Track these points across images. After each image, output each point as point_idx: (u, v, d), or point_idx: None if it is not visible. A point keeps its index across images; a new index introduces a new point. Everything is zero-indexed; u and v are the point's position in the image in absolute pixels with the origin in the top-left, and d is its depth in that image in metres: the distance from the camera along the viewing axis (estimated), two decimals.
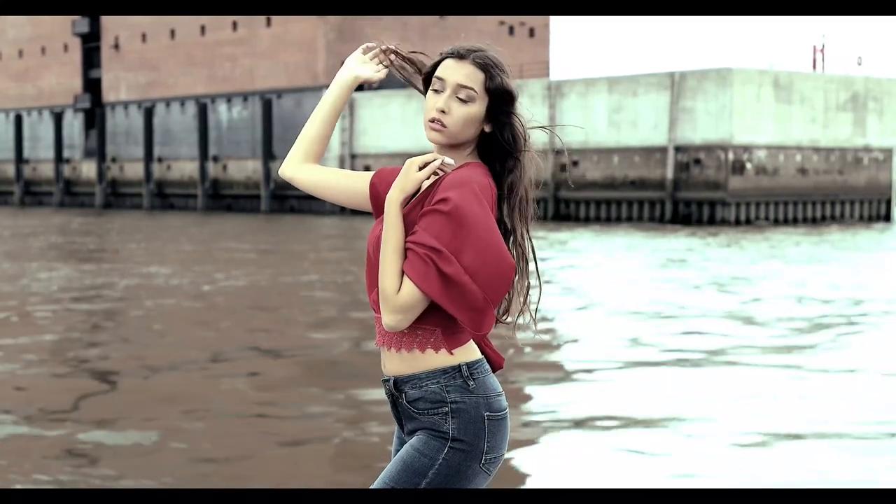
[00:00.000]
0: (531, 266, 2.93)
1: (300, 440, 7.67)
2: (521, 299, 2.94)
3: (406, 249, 2.76)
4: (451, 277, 2.70)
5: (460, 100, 2.83)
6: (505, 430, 2.86)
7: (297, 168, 3.07)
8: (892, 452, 7.38)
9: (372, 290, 2.91)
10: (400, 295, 2.74)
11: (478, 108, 2.83)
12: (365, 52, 3.06)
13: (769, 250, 27.71)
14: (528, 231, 2.93)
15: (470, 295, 2.72)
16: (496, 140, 2.87)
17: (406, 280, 2.74)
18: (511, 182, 2.87)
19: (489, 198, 2.80)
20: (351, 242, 31.75)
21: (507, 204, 2.88)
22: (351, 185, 3.07)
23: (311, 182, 3.07)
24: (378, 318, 2.88)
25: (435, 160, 2.81)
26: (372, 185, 3.04)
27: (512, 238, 2.90)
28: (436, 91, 2.86)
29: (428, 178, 2.82)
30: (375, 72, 3.02)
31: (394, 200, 2.80)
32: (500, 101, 2.84)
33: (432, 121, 2.84)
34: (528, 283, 2.94)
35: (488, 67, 2.83)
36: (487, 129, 2.87)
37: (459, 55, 2.84)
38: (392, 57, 3.05)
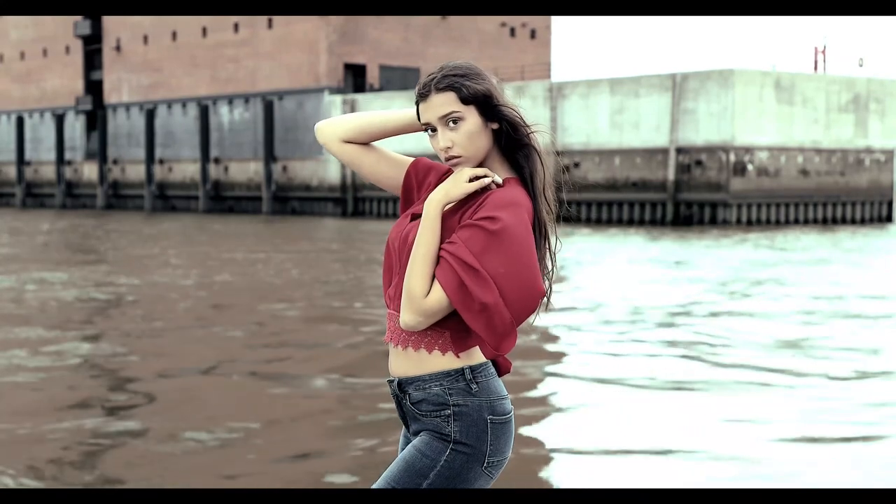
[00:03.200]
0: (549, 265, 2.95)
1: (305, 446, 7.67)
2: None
3: (440, 256, 2.76)
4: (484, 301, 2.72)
5: (452, 126, 2.83)
6: (509, 433, 2.87)
7: (337, 141, 3.06)
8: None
9: (388, 286, 2.93)
10: (428, 299, 2.74)
11: (472, 119, 2.84)
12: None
13: (771, 251, 27.70)
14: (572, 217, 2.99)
15: (498, 318, 2.72)
16: (505, 133, 2.88)
17: (437, 286, 2.74)
18: (531, 172, 2.88)
19: (531, 219, 2.83)
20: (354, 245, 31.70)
21: (536, 205, 2.87)
22: (385, 172, 3.08)
23: (347, 157, 3.07)
24: (391, 313, 2.90)
25: (486, 176, 2.83)
26: (407, 174, 3.06)
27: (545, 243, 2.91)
28: (433, 135, 2.88)
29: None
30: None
31: (436, 202, 2.80)
32: (483, 103, 2.84)
33: (448, 160, 2.86)
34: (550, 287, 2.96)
35: (451, 84, 2.83)
36: (495, 126, 2.87)
37: (423, 95, 2.86)
38: None
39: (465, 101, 2.82)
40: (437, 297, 2.74)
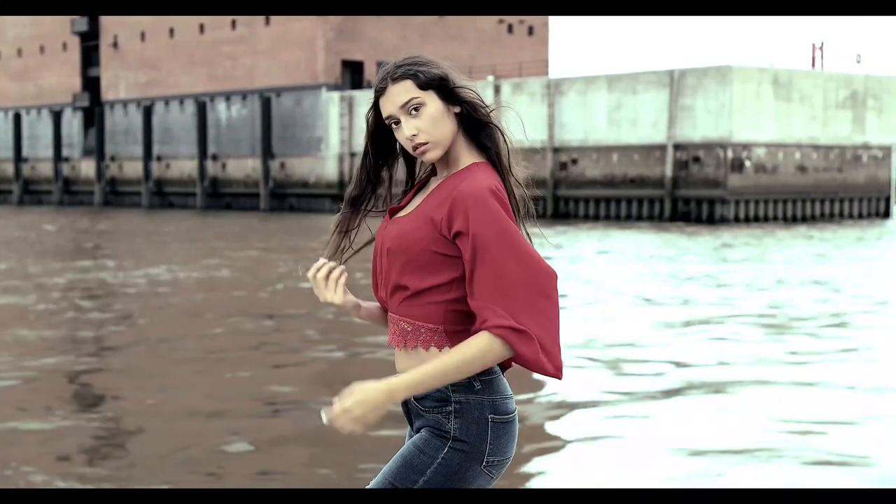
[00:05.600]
0: None
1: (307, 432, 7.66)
2: None
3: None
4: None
5: (414, 114, 2.82)
6: (511, 433, 2.84)
7: None
8: None
9: (377, 290, 2.92)
10: (493, 355, 2.74)
11: (432, 104, 2.83)
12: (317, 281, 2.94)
13: (769, 249, 27.71)
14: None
15: (545, 356, 2.75)
16: (466, 115, 2.87)
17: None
18: (497, 151, 2.86)
19: (504, 196, 2.80)
20: None
21: (509, 192, 2.86)
22: None
23: None
24: (390, 316, 2.90)
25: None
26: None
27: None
28: (397, 127, 2.86)
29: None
30: (335, 295, 2.93)
31: (385, 402, 2.73)
32: (440, 87, 2.84)
33: (415, 149, 2.84)
34: None
35: (407, 73, 2.83)
36: (457, 110, 2.86)
37: (381, 90, 2.86)
38: (333, 270, 2.94)
39: (422, 86, 2.82)
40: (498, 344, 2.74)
